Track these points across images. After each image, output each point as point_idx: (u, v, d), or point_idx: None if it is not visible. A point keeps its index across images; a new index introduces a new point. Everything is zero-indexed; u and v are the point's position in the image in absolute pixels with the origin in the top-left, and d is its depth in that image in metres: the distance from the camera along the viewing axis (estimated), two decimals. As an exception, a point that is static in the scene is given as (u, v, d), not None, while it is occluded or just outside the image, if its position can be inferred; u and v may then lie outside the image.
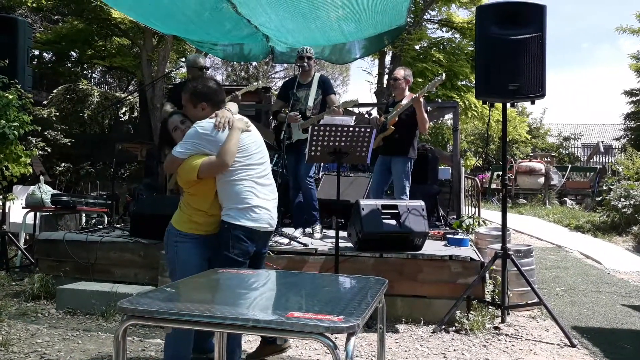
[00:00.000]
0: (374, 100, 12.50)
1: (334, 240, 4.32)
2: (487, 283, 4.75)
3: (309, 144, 4.19)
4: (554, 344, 3.98)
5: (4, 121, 5.07)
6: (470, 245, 5.16)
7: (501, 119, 4.74)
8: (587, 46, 75.58)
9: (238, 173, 3.00)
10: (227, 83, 21.62)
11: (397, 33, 7.52)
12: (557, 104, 59.14)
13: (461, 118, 11.37)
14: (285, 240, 4.86)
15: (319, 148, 4.17)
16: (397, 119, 5.31)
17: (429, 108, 6.88)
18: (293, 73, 5.58)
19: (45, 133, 11.34)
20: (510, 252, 4.43)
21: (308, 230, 5.39)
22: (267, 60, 10.71)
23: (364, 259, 4.58)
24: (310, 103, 5.32)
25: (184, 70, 11.36)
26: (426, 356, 3.73)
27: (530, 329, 4.34)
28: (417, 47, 12.19)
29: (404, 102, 5.32)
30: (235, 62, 22.35)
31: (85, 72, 16.97)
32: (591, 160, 22.78)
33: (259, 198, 3.06)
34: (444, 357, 3.71)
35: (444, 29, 13.32)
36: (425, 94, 5.42)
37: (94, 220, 7.57)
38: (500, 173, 5.20)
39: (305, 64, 5.31)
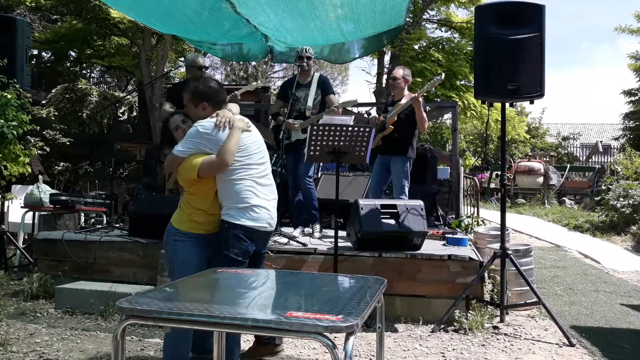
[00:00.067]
0: (373, 99, 12.51)
1: (332, 239, 4.32)
2: (486, 282, 4.76)
3: (308, 144, 4.19)
4: (553, 344, 3.99)
5: (2, 121, 5.07)
6: (469, 244, 5.16)
7: (500, 119, 4.74)
8: (587, 46, 75.67)
9: (238, 172, 3.01)
10: (226, 83, 21.61)
11: (396, 33, 7.52)
12: (556, 104, 59.22)
13: (460, 118, 11.38)
14: (285, 240, 4.86)
15: (318, 148, 4.17)
16: (396, 119, 5.31)
17: (428, 108, 6.88)
18: (292, 73, 5.58)
19: (44, 132, 11.32)
20: (509, 252, 4.43)
21: (307, 229, 5.39)
22: (266, 59, 10.69)
23: (363, 259, 4.58)
24: (310, 103, 5.32)
25: (183, 69, 11.35)
26: (425, 356, 3.73)
27: (529, 329, 4.34)
28: (416, 46, 12.20)
29: (403, 101, 5.32)
30: (234, 62, 22.34)
31: (84, 71, 16.96)
32: (590, 160, 22.81)
33: (259, 198, 3.06)
34: (443, 356, 3.72)
35: (443, 29, 13.33)
36: (425, 94, 5.42)
37: (93, 220, 7.56)
38: (499, 173, 5.21)
39: (305, 64, 5.32)
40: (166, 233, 3.11)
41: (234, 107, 3.25)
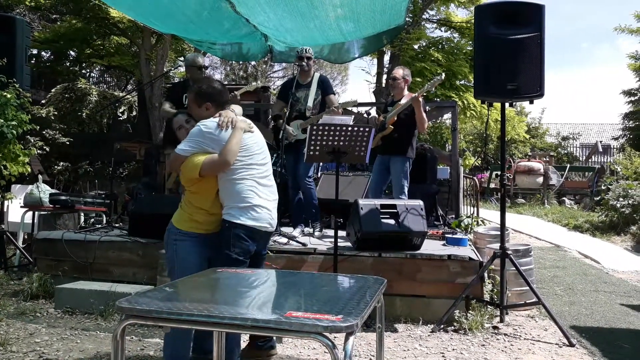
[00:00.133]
0: (373, 99, 12.51)
1: (332, 239, 4.32)
2: (485, 282, 4.76)
3: (308, 144, 4.19)
4: (553, 344, 3.99)
5: (2, 120, 5.06)
6: (469, 244, 5.16)
7: (500, 119, 4.74)
8: (587, 46, 75.62)
9: (240, 172, 3.03)
10: (226, 82, 21.59)
11: (396, 32, 7.52)
12: (555, 104, 59.23)
13: (460, 118, 11.38)
14: (284, 240, 4.86)
15: (317, 147, 4.17)
16: (396, 119, 5.31)
17: (427, 107, 6.88)
18: (292, 72, 5.58)
19: (44, 132, 11.32)
20: (509, 252, 4.43)
21: (307, 229, 5.40)
22: (266, 59, 10.69)
23: (363, 259, 4.58)
24: (310, 103, 5.32)
25: (182, 69, 11.36)
26: (425, 356, 3.73)
27: (529, 329, 4.34)
28: (415, 46, 12.20)
29: (403, 101, 5.32)
30: (234, 62, 22.34)
31: (83, 71, 16.96)
32: (590, 160, 22.82)
33: (260, 198, 3.09)
34: (443, 356, 3.72)
35: (442, 29, 13.33)
36: (424, 94, 5.42)
37: (93, 220, 7.55)
38: (499, 173, 5.21)
39: (305, 64, 5.31)
40: (167, 232, 3.12)
41: (237, 109, 3.28)
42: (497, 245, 4.66)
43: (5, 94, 5.09)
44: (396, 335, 4.12)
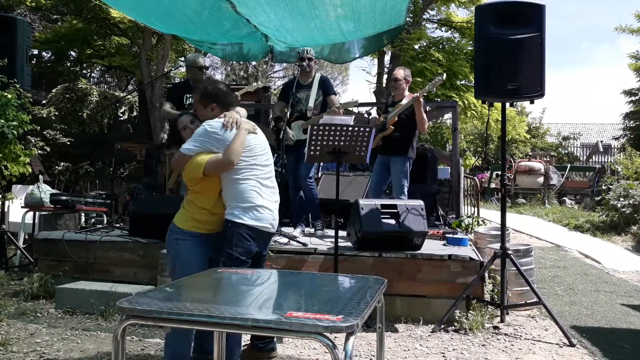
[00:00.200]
0: (373, 99, 12.51)
1: (333, 239, 4.32)
2: (486, 282, 4.76)
3: (308, 144, 4.19)
4: (553, 344, 3.98)
5: (3, 120, 5.07)
6: (470, 244, 5.16)
7: (500, 119, 4.75)
8: (587, 46, 75.64)
9: (243, 172, 3.06)
10: (227, 82, 21.58)
11: (397, 32, 7.51)
12: (556, 104, 59.17)
13: (460, 118, 11.37)
14: (285, 240, 4.86)
15: (318, 148, 4.17)
16: (396, 119, 5.31)
17: (428, 108, 6.88)
18: (292, 73, 5.59)
19: (45, 132, 11.34)
20: (510, 252, 4.43)
21: (308, 229, 5.40)
22: (267, 59, 10.69)
23: (363, 259, 4.58)
24: (311, 104, 5.32)
25: (183, 69, 11.35)
26: (425, 356, 3.73)
27: (530, 329, 4.34)
28: (416, 46, 12.19)
29: (404, 102, 5.32)
30: (234, 62, 22.34)
31: (84, 71, 16.97)
32: (590, 160, 22.79)
33: (263, 198, 3.12)
34: (443, 356, 3.72)
35: (443, 29, 13.32)
36: (425, 94, 5.42)
37: (93, 220, 7.57)
38: (500, 172, 5.20)
39: (306, 65, 5.31)
40: (168, 232, 3.14)
41: (242, 111, 3.33)
42: (497, 245, 4.66)
43: (6, 94, 5.10)
44: (396, 335, 4.12)
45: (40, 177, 6.93)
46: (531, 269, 5.01)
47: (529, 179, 15.09)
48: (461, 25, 12.57)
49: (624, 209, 9.30)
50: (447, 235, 5.28)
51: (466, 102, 11.62)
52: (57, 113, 12.86)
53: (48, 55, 16.01)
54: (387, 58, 13.22)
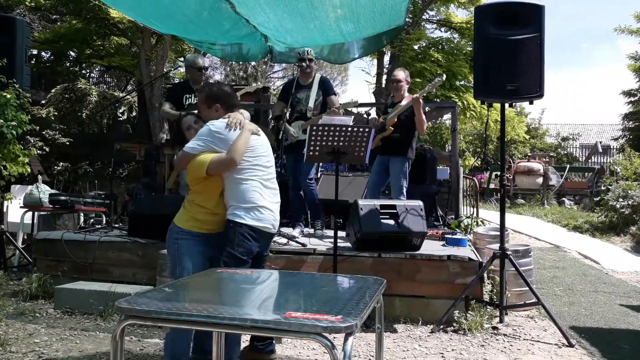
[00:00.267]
0: (373, 100, 12.52)
1: (332, 240, 4.32)
2: (485, 283, 4.76)
3: (308, 144, 4.19)
4: (552, 344, 3.99)
5: (2, 120, 5.06)
6: (469, 245, 5.16)
7: (500, 119, 4.74)
8: (586, 46, 75.73)
9: (246, 172, 3.09)
10: (226, 83, 21.55)
11: (396, 33, 7.51)
12: (555, 104, 59.31)
13: (460, 118, 11.39)
14: (284, 240, 4.86)
15: (317, 148, 4.17)
16: (396, 120, 5.32)
17: (427, 108, 6.88)
18: (292, 73, 5.59)
19: (44, 132, 11.33)
20: (509, 252, 4.43)
21: (307, 229, 5.40)
22: (266, 60, 10.70)
23: (362, 259, 4.58)
24: (311, 104, 5.33)
25: (182, 70, 11.36)
26: (424, 356, 3.73)
27: (529, 329, 4.34)
28: (415, 47, 12.21)
29: (404, 102, 5.32)
30: (233, 62, 22.33)
31: (83, 71, 16.97)
32: (589, 161, 22.81)
33: (264, 199, 3.14)
34: (442, 357, 3.72)
35: (442, 29, 13.34)
36: (424, 95, 5.43)
37: (92, 220, 7.56)
38: (499, 173, 5.21)
39: (306, 66, 5.32)
40: (169, 232, 3.15)
41: (245, 113, 3.35)
42: (496, 246, 4.66)
43: (5, 94, 5.09)
44: (395, 336, 4.12)
45: (39, 177, 6.92)
46: (530, 269, 5.01)
47: (528, 179, 15.10)
48: (460, 26, 12.59)
49: (622, 210, 9.31)
50: (446, 235, 5.28)
51: (465, 102, 11.63)
52: (56, 113, 12.85)
53: (47, 55, 16.01)
54: (386, 58, 13.24)
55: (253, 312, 1.87)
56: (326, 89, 5.39)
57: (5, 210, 6.11)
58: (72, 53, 15.26)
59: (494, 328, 4.28)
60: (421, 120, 5.23)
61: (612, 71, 72.89)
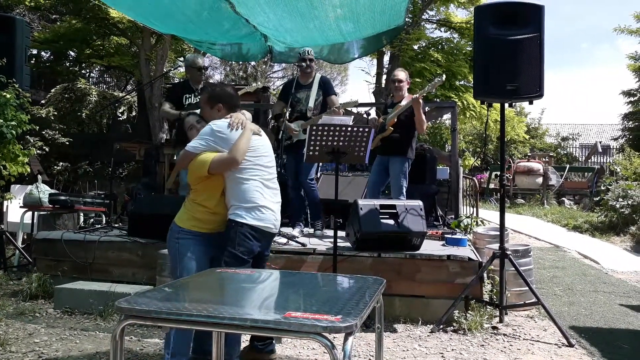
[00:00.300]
0: (373, 99, 12.52)
1: (332, 239, 4.32)
2: (485, 283, 4.76)
3: (307, 144, 4.19)
4: (552, 344, 3.99)
5: (1, 120, 5.06)
6: (469, 245, 5.16)
7: (499, 119, 4.74)
8: (586, 46, 75.78)
9: (248, 172, 3.10)
10: (226, 83, 21.55)
11: (396, 33, 7.51)
12: (555, 104, 59.32)
13: (459, 118, 11.39)
14: (284, 240, 4.86)
15: (317, 148, 4.17)
16: (396, 120, 5.32)
17: (427, 108, 6.89)
18: (292, 73, 5.59)
19: (43, 132, 11.33)
20: (508, 252, 4.43)
21: (307, 229, 5.40)
22: (266, 59, 10.70)
23: (362, 259, 4.58)
24: (311, 104, 5.32)
25: (182, 69, 11.36)
26: (424, 356, 3.73)
27: (528, 329, 4.35)
28: (415, 47, 12.21)
29: (403, 103, 5.33)
30: (233, 62, 22.34)
31: (83, 71, 16.97)
32: (589, 161, 22.81)
33: (265, 199, 3.15)
34: (442, 356, 3.72)
35: (442, 29, 13.34)
36: (424, 95, 5.43)
37: (92, 220, 7.56)
38: (499, 173, 5.21)
39: (306, 66, 5.31)
40: (169, 231, 3.16)
41: (247, 114, 3.37)
42: (496, 246, 4.66)
43: (4, 94, 5.09)
44: (395, 336, 4.12)
45: (39, 177, 6.92)
46: (530, 269, 5.01)
47: (527, 179, 15.10)
48: (460, 26, 12.59)
49: (622, 210, 9.31)
50: (446, 235, 5.28)
51: (465, 102, 11.63)
52: (56, 113, 12.84)
53: (47, 55, 16.00)
54: (386, 58, 13.24)
55: (253, 312, 1.87)
56: (326, 88, 5.39)
57: (5, 210, 6.11)
58: (71, 53, 15.26)
59: (494, 328, 4.29)
60: (421, 120, 5.23)
61: (611, 71, 72.96)
